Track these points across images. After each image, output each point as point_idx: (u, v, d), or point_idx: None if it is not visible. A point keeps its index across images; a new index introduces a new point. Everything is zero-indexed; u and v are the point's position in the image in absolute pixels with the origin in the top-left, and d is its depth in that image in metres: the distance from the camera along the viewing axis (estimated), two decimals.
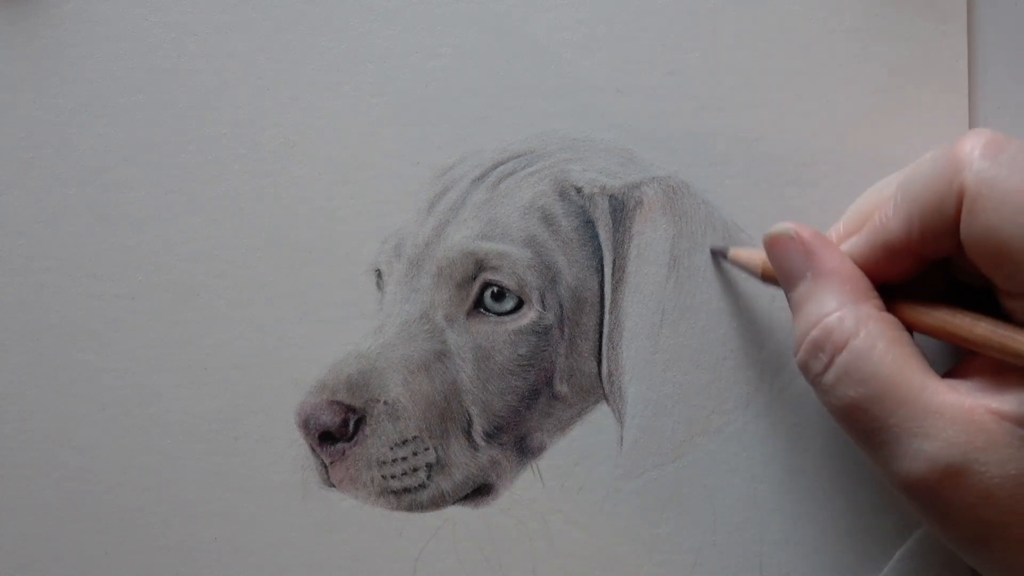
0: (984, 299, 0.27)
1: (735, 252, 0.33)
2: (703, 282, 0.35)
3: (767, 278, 0.31)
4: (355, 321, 0.36)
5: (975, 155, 0.25)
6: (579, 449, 0.35)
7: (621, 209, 0.35)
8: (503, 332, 0.34)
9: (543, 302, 0.34)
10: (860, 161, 0.35)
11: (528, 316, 0.34)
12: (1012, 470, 0.24)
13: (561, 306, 0.35)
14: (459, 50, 0.36)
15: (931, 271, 0.28)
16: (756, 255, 0.32)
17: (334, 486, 0.35)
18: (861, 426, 0.27)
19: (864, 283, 0.28)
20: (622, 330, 0.35)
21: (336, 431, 0.34)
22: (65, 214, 0.37)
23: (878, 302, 0.28)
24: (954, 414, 0.25)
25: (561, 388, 0.35)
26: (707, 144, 0.35)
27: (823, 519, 0.34)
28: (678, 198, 0.35)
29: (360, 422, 0.34)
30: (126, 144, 0.37)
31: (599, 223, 0.35)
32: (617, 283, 0.35)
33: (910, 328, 0.28)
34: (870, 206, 0.29)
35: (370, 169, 0.36)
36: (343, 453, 0.35)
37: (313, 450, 0.35)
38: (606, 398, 0.35)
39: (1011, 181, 0.24)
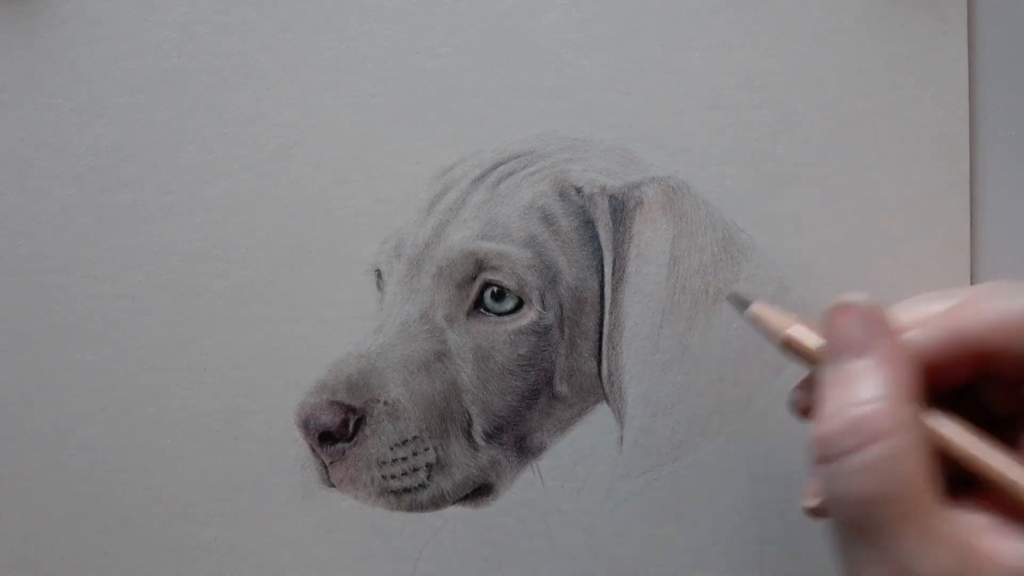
0: (1002, 426, 0.27)
1: (759, 310, 0.29)
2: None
3: (788, 347, 0.28)
4: (355, 321, 0.36)
5: None
6: (579, 449, 0.35)
7: (621, 209, 0.35)
8: (503, 332, 0.34)
9: (543, 302, 0.34)
10: (860, 161, 0.35)
11: (528, 316, 0.34)
12: None
13: (561, 306, 0.35)
14: (459, 50, 0.36)
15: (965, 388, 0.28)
16: (784, 320, 0.29)
17: (334, 486, 0.35)
18: (858, 520, 0.26)
19: (918, 385, 0.27)
20: (622, 330, 0.35)
21: (336, 431, 0.34)
22: (65, 214, 0.37)
23: (923, 409, 0.27)
24: (954, 545, 0.25)
25: (561, 388, 0.35)
26: (707, 144, 0.35)
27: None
28: (678, 198, 0.35)
29: (360, 422, 0.34)
30: (126, 144, 0.37)
31: (599, 223, 0.35)
32: (617, 283, 0.35)
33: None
34: (932, 308, 0.28)
35: (370, 169, 0.36)
36: (343, 453, 0.35)
37: (313, 450, 0.35)
38: (606, 398, 0.35)
39: None
